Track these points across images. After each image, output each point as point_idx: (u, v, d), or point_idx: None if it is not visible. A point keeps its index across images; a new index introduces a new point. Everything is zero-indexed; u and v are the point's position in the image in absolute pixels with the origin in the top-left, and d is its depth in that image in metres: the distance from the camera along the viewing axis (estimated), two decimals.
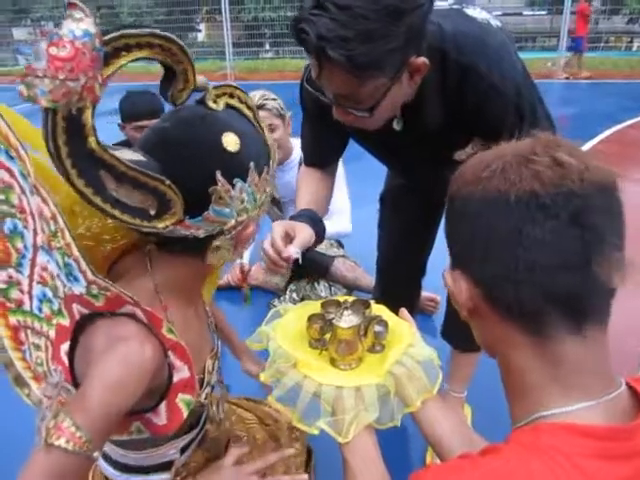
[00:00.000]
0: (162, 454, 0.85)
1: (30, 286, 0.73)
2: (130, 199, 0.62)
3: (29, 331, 0.77)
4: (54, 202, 0.62)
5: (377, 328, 0.85)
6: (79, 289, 0.67)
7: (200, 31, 14.55)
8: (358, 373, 0.82)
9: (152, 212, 0.64)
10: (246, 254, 2.48)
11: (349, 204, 2.27)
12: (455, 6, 1.01)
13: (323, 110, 1.02)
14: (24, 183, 0.64)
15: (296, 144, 2.15)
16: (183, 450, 0.88)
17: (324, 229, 1.15)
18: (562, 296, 0.51)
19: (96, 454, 0.62)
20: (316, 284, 2.25)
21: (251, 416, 1.14)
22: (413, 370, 0.80)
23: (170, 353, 0.71)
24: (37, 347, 0.77)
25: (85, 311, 0.70)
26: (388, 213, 1.54)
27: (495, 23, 0.99)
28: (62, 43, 0.50)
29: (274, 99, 2.09)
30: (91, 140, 0.56)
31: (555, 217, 0.49)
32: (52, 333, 0.75)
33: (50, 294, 0.72)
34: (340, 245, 2.43)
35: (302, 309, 0.94)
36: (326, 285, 2.24)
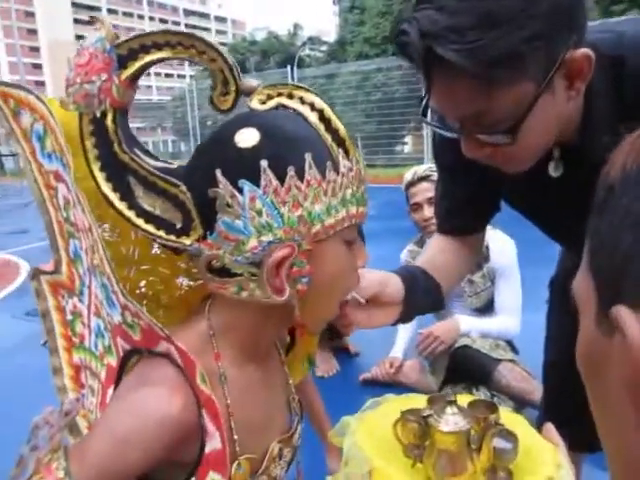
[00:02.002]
0: None
1: (89, 318, 0.67)
2: (155, 208, 0.57)
3: (88, 372, 0.70)
4: (89, 210, 0.56)
5: (500, 443, 0.59)
6: (117, 317, 0.58)
7: (406, 144, 15.34)
8: None
9: (178, 225, 0.57)
10: (400, 347, 2.25)
11: (519, 304, 2.02)
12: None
13: (460, 158, 0.76)
14: (74, 194, 0.59)
15: None
16: None
17: (427, 290, 0.87)
18: None
19: None
20: (475, 390, 1.89)
21: None
22: None
23: (204, 412, 0.56)
24: (92, 391, 0.70)
25: (127, 346, 0.60)
26: (555, 303, 1.20)
27: None
28: (82, 52, 0.55)
29: None
30: (115, 143, 0.56)
31: None
32: (103, 374, 0.66)
33: (102, 326, 0.64)
34: (512, 349, 2.05)
35: (406, 401, 0.72)
36: (487, 394, 1.87)
